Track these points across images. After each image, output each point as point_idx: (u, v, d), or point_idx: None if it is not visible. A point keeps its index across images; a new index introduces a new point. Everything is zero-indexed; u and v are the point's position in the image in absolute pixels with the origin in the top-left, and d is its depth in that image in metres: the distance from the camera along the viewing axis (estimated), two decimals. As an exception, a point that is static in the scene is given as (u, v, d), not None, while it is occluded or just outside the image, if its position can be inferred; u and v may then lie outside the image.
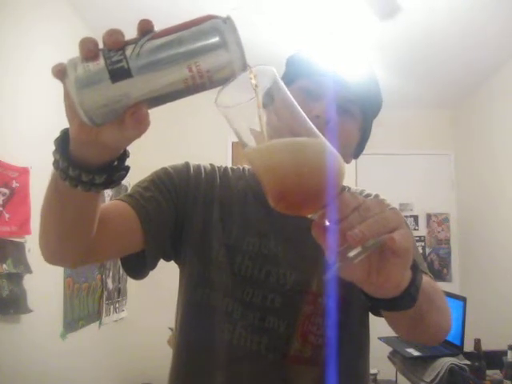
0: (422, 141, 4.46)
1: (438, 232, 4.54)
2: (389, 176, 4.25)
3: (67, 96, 0.50)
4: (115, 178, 0.60)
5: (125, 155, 0.61)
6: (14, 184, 2.15)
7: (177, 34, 0.49)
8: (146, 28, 0.49)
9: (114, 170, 0.60)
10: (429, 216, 4.54)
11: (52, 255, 0.79)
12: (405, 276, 0.57)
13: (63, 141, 0.58)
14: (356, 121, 0.93)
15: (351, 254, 0.51)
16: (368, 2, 2.70)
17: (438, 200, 4.52)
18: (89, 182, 0.58)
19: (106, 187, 0.60)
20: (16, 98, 2.25)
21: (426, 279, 0.70)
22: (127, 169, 0.61)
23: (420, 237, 4.48)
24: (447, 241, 4.54)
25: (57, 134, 0.59)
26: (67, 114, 0.53)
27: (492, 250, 3.79)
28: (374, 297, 0.60)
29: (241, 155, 4.13)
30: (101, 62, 0.48)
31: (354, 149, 0.97)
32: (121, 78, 0.48)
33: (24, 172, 2.21)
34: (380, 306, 0.64)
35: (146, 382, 3.73)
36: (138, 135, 0.53)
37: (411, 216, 4.45)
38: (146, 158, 2.57)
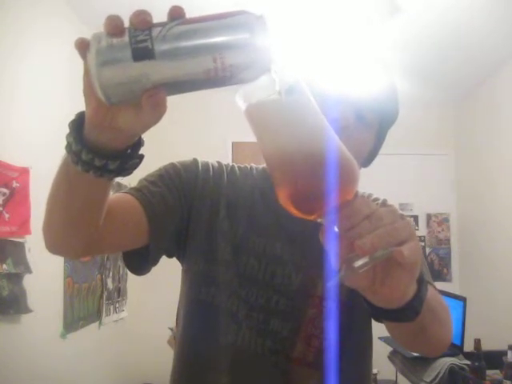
0: (421, 141, 4.46)
1: (438, 232, 4.54)
2: (389, 176, 4.25)
3: (86, 72, 0.49)
4: (128, 165, 0.59)
5: (139, 143, 0.60)
6: (14, 184, 2.15)
7: (206, 23, 0.48)
8: (176, 14, 0.48)
9: (127, 157, 0.58)
10: (429, 216, 4.54)
11: (55, 243, 0.77)
12: (409, 289, 0.56)
13: (78, 123, 0.57)
14: (372, 130, 0.92)
15: (357, 263, 0.50)
16: (368, 3, 2.70)
17: (438, 200, 4.52)
18: (101, 167, 0.57)
19: (118, 175, 0.59)
20: (16, 98, 2.25)
21: (430, 291, 0.68)
22: (141, 157, 0.60)
23: (420, 237, 4.47)
24: (447, 241, 4.54)
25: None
26: (85, 92, 0.52)
27: (492, 250, 3.79)
28: (376, 306, 0.59)
29: (241, 155, 4.13)
30: (125, 38, 0.47)
31: (365, 158, 0.96)
32: (143, 57, 0.47)
33: (24, 172, 2.21)
34: (382, 315, 0.62)
35: (147, 382, 3.73)
36: (154, 121, 0.53)
37: (411, 216, 4.45)
38: (146, 157, 2.57)
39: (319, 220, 0.54)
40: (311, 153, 0.52)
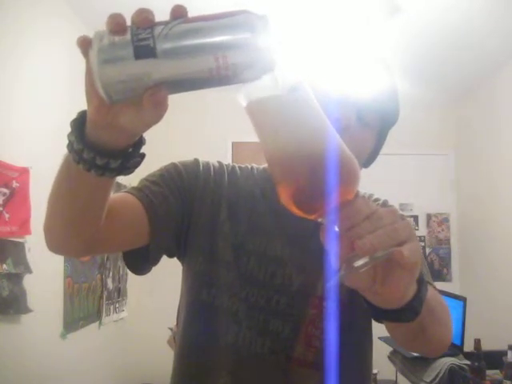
0: (421, 141, 4.46)
1: (438, 232, 4.54)
2: (389, 176, 4.25)
3: (88, 70, 0.50)
4: (130, 164, 0.59)
5: (141, 142, 0.60)
6: (14, 184, 2.15)
7: (208, 22, 0.48)
8: (178, 13, 0.48)
9: (129, 156, 0.59)
10: (429, 216, 4.54)
11: (56, 243, 0.77)
12: (409, 289, 0.56)
13: (79, 122, 0.57)
14: (373, 130, 0.93)
15: (357, 263, 0.50)
16: (368, 3, 2.70)
17: (438, 200, 4.52)
18: (103, 166, 0.57)
19: (120, 173, 0.59)
20: (16, 98, 2.25)
21: (430, 292, 0.69)
22: (142, 156, 0.60)
23: (420, 237, 4.47)
24: (447, 241, 4.54)
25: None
26: (87, 91, 0.52)
27: (492, 250, 3.79)
28: (376, 306, 0.59)
29: (241, 155, 4.13)
30: (127, 36, 0.47)
31: (366, 158, 0.96)
32: (145, 55, 0.47)
33: (24, 172, 2.21)
34: (381, 315, 0.63)
35: (146, 381, 3.73)
36: (155, 120, 0.53)
37: (411, 216, 4.45)
38: (146, 157, 2.57)
39: (320, 220, 0.54)
40: (312, 151, 0.52)
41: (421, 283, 0.59)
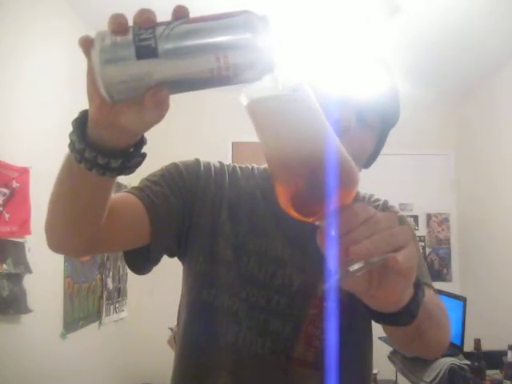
0: (421, 141, 4.46)
1: (438, 232, 4.54)
2: (389, 176, 4.25)
3: (90, 70, 0.50)
4: (131, 163, 0.59)
5: (142, 142, 0.60)
6: (14, 184, 2.15)
7: (209, 22, 0.48)
8: (180, 13, 0.49)
9: (130, 155, 0.59)
10: (429, 216, 4.54)
11: (57, 242, 0.77)
12: (406, 293, 0.56)
13: (81, 122, 0.57)
14: (373, 132, 0.93)
15: (353, 267, 0.50)
16: (368, 3, 2.70)
17: (438, 200, 4.52)
18: (104, 165, 0.57)
19: (121, 173, 0.59)
20: (16, 98, 2.25)
21: (428, 294, 0.68)
22: (143, 156, 0.61)
23: (420, 237, 4.47)
24: (447, 241, 4.54)
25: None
26: (88, 91, 0.52)
27: (492, 250, 3.79)
28: (373, 309, 0.59)
29: (241, 155, 4.13)
30: (129, 37, 0.47)
31: (366, 159, 0.96)
32: (146, 55, 0.47)
33: (24, 172, 2.21)
34: (378, 318, 0.63)
35: (146, 381, 3.73)
36: (157, 119, 0.53)
37: (411, 216, 4.45)
38: (146, 157, 2.56)
39: (317, 223, 0.54)
40: (310, 153, 0.52)
41: (418, 287, 0.59)
